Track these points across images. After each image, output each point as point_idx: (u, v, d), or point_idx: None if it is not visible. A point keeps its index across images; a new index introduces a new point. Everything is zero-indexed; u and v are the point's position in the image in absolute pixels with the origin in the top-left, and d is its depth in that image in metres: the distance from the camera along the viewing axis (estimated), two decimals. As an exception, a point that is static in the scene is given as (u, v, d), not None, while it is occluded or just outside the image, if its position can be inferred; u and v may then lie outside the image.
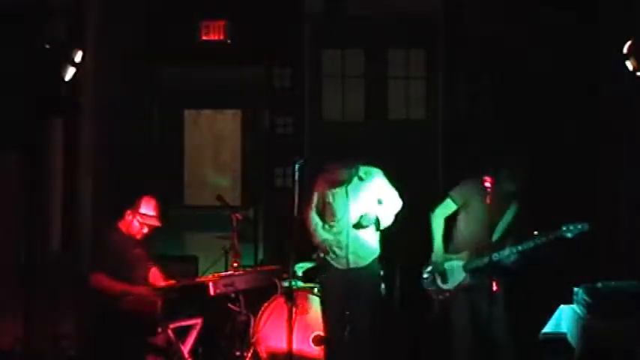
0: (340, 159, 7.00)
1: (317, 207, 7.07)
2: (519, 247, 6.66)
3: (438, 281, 6.89)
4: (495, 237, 6.73)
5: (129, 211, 7.19)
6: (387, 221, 7.00)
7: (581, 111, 8.38)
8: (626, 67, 7.05)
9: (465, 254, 6.84)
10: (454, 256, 6.88)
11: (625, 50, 7.03)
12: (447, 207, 6.96)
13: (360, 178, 6.99)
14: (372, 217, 6.92)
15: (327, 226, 7.03)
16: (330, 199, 6.99)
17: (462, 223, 6.93)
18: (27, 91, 7.13)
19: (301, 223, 6.99)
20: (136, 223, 7.19)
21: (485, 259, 6.59)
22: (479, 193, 6.74)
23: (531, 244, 6.65)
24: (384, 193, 7.03)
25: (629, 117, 7.86)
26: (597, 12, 8.28)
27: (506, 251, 6.66)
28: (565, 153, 8.38)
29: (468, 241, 6.85)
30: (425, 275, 6.97)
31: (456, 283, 6.85)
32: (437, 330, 7.11)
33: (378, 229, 7.02)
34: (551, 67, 8.42)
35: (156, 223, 7.25)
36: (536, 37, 8.46)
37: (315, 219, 7.07)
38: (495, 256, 6.63)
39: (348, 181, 6.97)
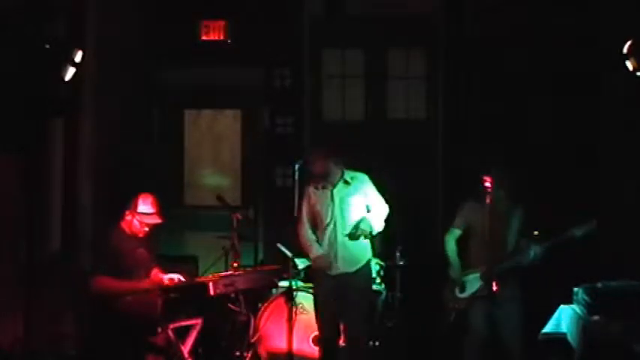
0: (318, 148, 6.95)
1: (309, 220, 6.99)
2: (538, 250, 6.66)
3: (456, 292, 6.91)
4: (510, 247, 6.75)
5: (128, 212, 7.16)
6: (377, 228, 6.95)
7: (581, 111, 8.38)
8: (626, 67, 7.05)
9: (482, 268, 6.84)
10: (471, 271, 6.90)
11: (625, 50, 7.02)
12: (453, 233, 7.04)
13: (347, 182, 6.93)
14: (368, 225, 6.85)
15: (321, 240, 6.95)
16: (319, 207, 6.92)
17: (471, 243, 6.97)
18: (27, 91, 7.12)
19: (296, 237, 6.99)
20: (137, 223, 7.15)
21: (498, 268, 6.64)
22: (476, 212, 6.85)
23: (544, 248, 6.65)
24: (371, 199, 6.96)
25: (629, 117, 7.86)
26: (597, 12, 8.28)
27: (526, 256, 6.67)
28: (565, 152, 8.39)
29: (481, 258, 6.84)
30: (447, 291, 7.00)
31: (471, 292, 6.86)
32: (450, 335, 7.11)
33: (367, 236, 6.96)
34: (551, 67, 8.42)
35: (156, 219, 7.18)
36: (536, 37, 8.46)
37: (309, 235, 6.99)
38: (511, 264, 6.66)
39: (333, 184, 6.91)
